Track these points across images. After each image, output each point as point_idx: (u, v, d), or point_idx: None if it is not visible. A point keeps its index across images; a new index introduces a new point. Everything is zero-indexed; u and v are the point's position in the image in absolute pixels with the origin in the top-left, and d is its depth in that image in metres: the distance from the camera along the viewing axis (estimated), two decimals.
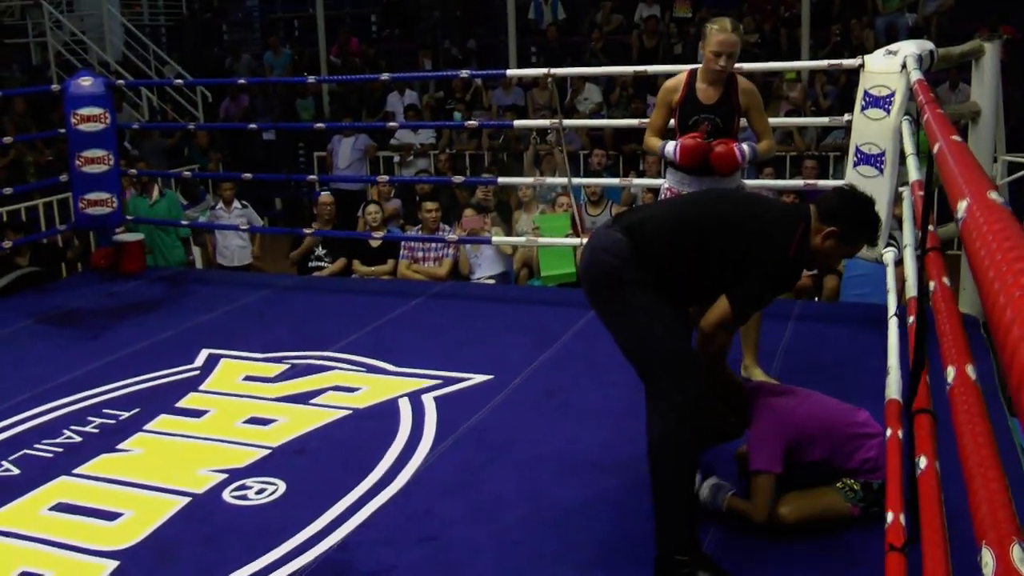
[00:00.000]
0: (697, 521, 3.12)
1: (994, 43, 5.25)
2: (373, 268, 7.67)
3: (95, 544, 3.42)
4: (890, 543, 2.35)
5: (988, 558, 1.09)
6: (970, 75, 5.58)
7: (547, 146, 9.67)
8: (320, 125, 8.91)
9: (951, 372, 1.57)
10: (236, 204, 8.80)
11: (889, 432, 2.93)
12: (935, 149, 1.83)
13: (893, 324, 3.91)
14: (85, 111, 7.13)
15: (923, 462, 2.08)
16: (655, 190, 7.92)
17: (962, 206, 1.16)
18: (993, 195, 1.14)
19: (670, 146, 4.41)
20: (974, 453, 1.32)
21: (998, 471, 1.27)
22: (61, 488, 3.87)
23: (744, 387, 3.53)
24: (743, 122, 4.57)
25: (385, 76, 8.08)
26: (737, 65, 4.46)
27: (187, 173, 9.54)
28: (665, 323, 3.08)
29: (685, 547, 3.01)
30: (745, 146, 4.35)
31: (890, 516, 2.45)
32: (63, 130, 7.32)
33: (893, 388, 3.26)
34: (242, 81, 10.89)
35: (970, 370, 1.54)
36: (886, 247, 5.03)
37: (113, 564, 3.29)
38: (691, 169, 4.39)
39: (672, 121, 4.56)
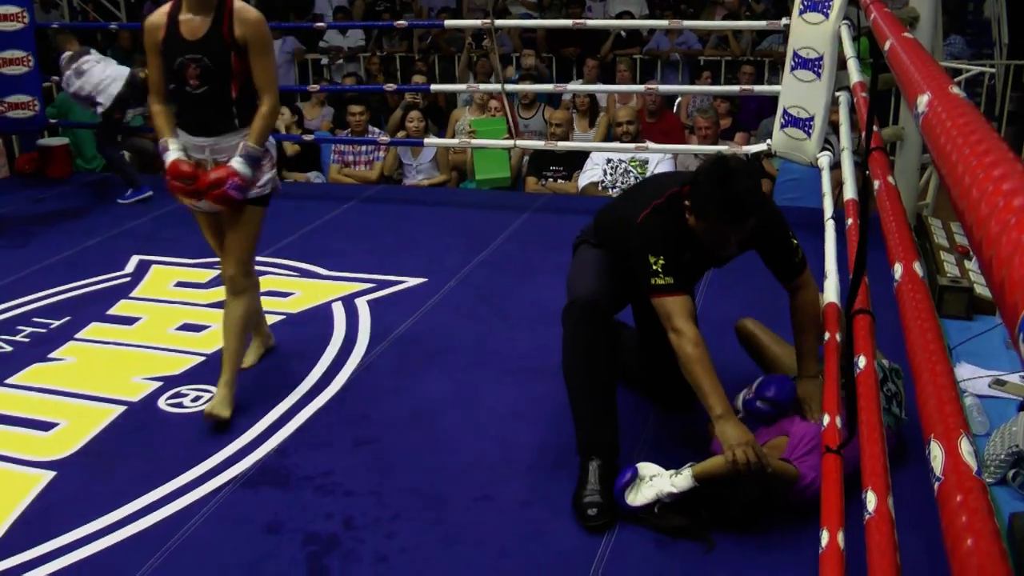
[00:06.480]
0: (598, 423, 3.04)
1: None
2: (303, 174, 7.53)
3: (30, 455, 3.37)
4: (827, 445, 2.41)
5: (937, 451, 1.10)
6: None
7: (481, 51, 9.51)
8: None
9: (898, 269, 1.57)
10: None
11: (827, 336, 2.97)
12: (886, 46, 1.81)
13: (830, 227, 3.94)
14: (1, 10, 6.82)
15: (862, 361, 2.11)
16: (591, 97, 7.88)
17: (922, 100, 1.14)
18: (954, 89, 1.13)
19: (168, 157, 3.50)
20: (922, 349, 1.34)
21: (945, 366, 1.29)
22: None
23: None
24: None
25: None
26: None
27: None
28: (590, 266, 3.19)
29: (585, 449, 3.02)
30: (236, 163, 3.43)
31: (826, 419, 2.50)
32: None
33: (831, 292, 3.29)
34: None
35: (917, 267, 1.55)
36: (821, 151, 5.06)
37: (50, 474, 3.24)
38: (188, 129, 3.53)
39: None
